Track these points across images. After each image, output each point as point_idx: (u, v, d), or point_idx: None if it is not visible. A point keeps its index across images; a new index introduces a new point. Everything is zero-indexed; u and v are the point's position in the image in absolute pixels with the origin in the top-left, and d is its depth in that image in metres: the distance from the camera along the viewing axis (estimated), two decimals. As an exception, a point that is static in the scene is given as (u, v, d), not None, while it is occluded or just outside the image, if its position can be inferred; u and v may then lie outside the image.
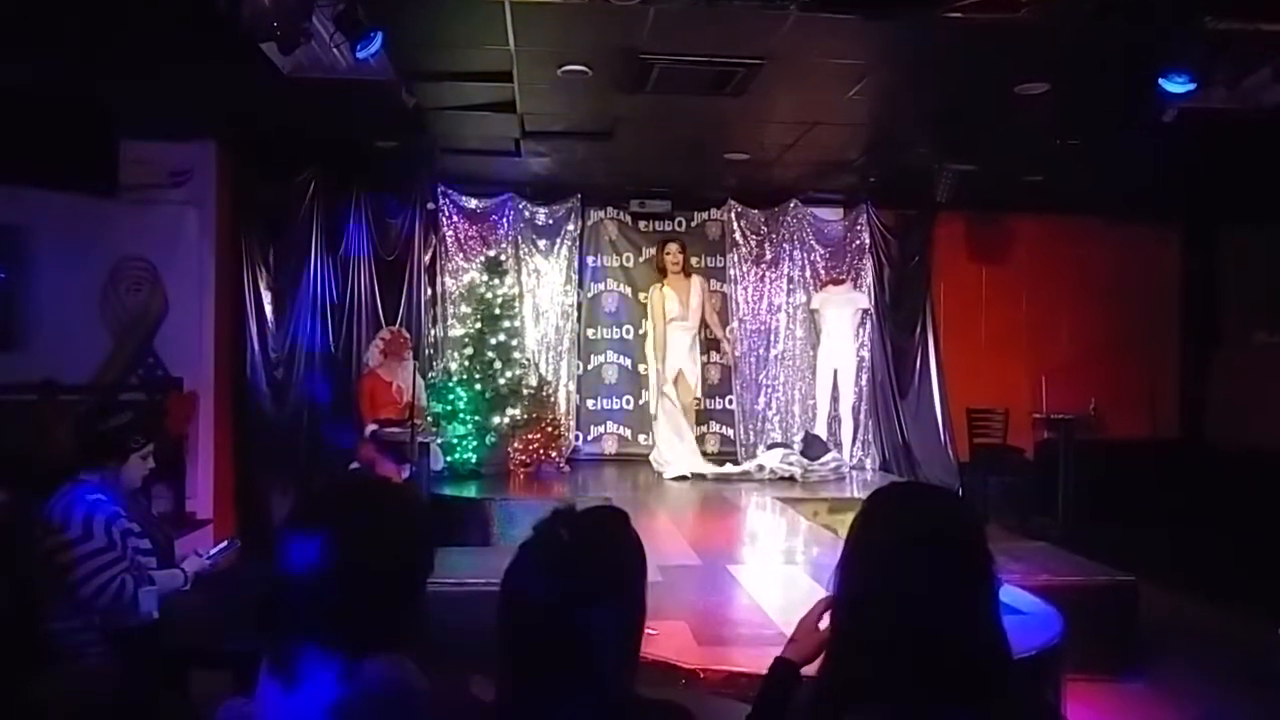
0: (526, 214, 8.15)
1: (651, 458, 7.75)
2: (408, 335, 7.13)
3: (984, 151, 6.65)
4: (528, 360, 7.81)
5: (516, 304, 7.86)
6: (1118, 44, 4.46)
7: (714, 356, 8.28)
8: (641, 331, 8.27)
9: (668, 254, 7.58)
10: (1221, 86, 4.54)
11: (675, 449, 7.60)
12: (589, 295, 8.35)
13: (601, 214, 8.37)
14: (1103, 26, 4.20)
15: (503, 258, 7.88)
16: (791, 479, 7.29)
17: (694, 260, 8.04)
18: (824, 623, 1.48)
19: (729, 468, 7.62)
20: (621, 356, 8.35)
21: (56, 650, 2.84)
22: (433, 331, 7.87)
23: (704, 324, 7.84)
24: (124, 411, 3.35)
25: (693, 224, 8.46)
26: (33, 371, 5.87)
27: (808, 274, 8.37)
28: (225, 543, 3.35)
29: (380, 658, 1.44)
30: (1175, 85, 4.41)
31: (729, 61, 4.89)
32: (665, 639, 3.08)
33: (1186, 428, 8.69)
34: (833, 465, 7.58)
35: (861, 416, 8.25)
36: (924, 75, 5.15)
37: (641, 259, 8.38)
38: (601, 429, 8.32)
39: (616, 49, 4.78)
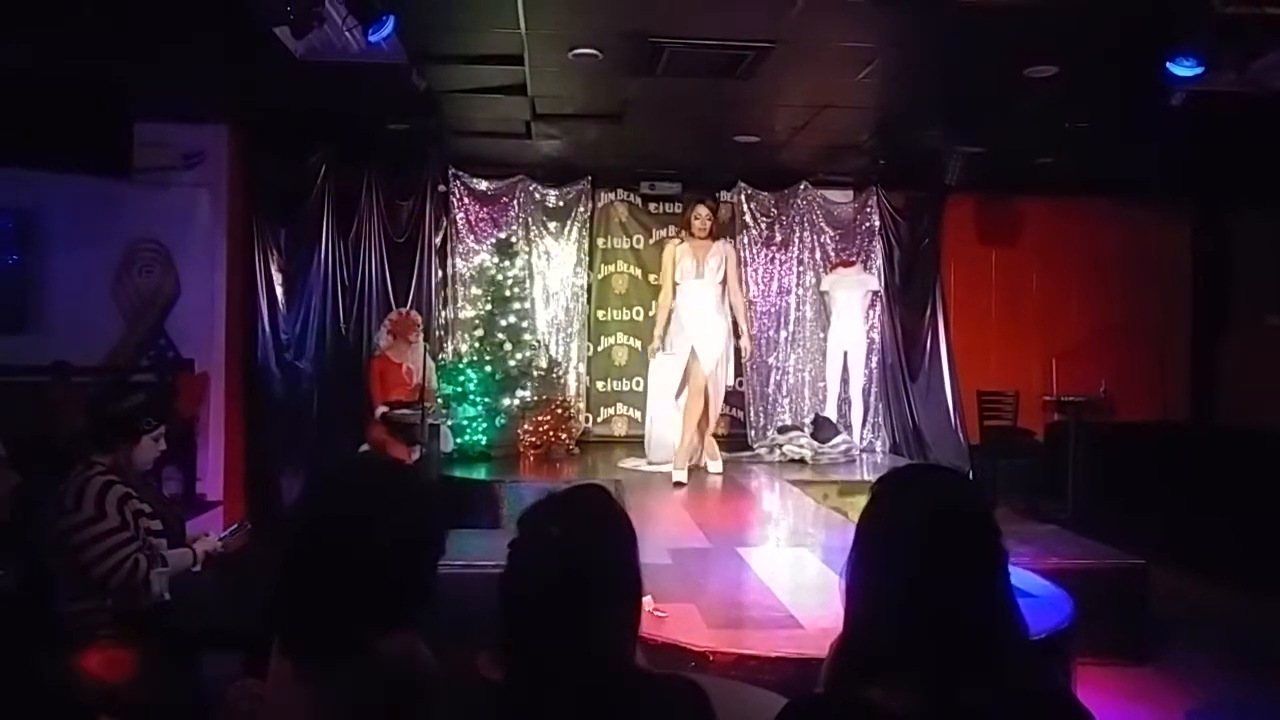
0: (537, 196, 8.15)
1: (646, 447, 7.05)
2: (417, 316, 7.14)
3: (993, 134, 6.61)
4: (538, 342, 7.83)
5: (527, 286, 7.86)
6: (1125, 27, 4.43)
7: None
8: (652, 313, 8.26)
9: (696, 218, 6.39)
10: (1230, 70, 4.50)
11: (665, 439, 6.73)
12: (599, 277, 8.36)
13: (612, 196, 8.36)
14: (1111, 10, 4.17)
15: (513, 240, 7.89)
16: (801, 461, 7.29)
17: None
18: None
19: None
20: (631, 338, 8.36)
21: (68, 632, 2.87)
22: (443, 313, 7.89)
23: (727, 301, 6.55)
24: (136, 393, 3.37)
25: (703, 206, 8.45)
26: (45, 353, 5.92)
27: (818, 256, 8.35)
28: (235, 524, 3.38)
29: (391, 638, 1.46)
30: (1182, 69, 4.39)
31: (739, 45, 4.86)
32: (675, 622, 3.09)
33: (1197, 410, 8.66)
34: (843, 448, 7.57)
35: (871, 399, 8.24)
36: (933, 58, 5.11)
37: (652, 241, 8.38)
38: (611, 411, 8.35)
39: (627, 32, 4.76)
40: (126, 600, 2.91)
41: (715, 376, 6.34)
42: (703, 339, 6.26)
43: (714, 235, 6.50)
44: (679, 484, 6.12)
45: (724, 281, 6.40)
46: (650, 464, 6.88)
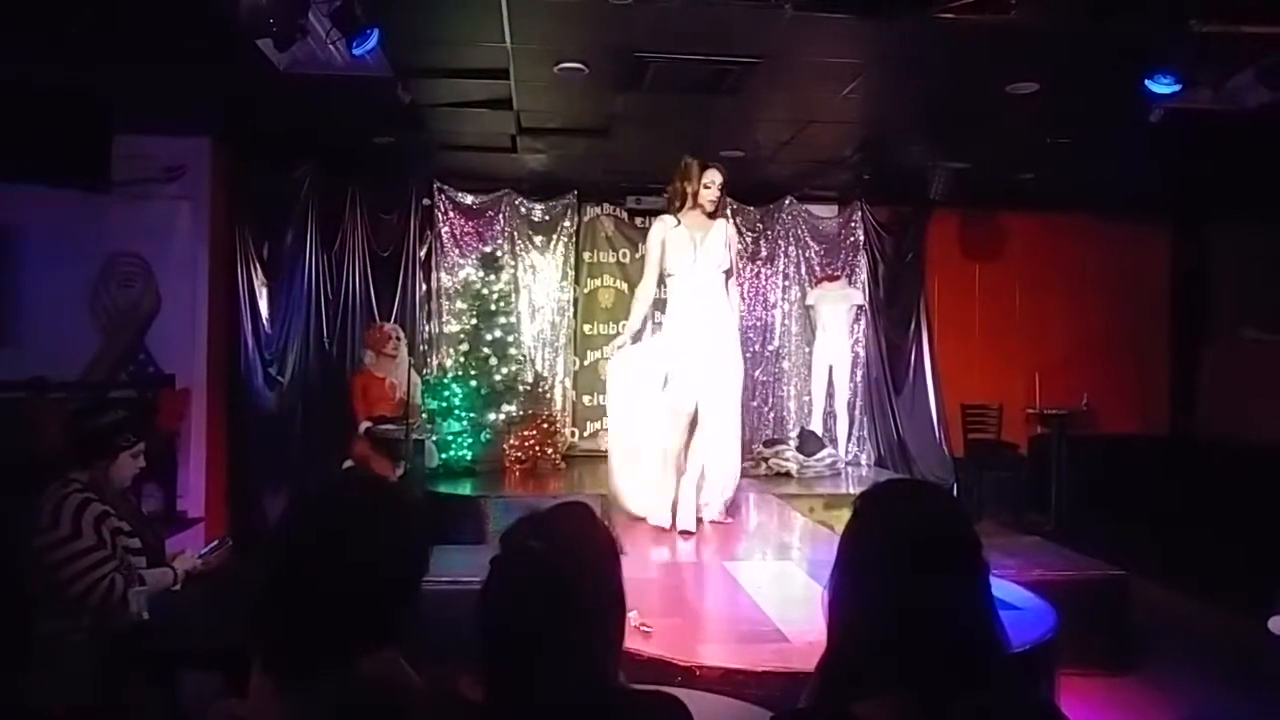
0: (522, 210, 8.16)
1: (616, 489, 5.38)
2: (391, 329, 6.92)
3: (977, 150, 6.67)
4: (524, 356, 7.81)
5: (512, 300, 7.86)
6: (1105, 46, 4.50)
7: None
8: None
9: (706, 186, 4.98)
10: (1206, 87, 4.60)
11: (650, 485, 5.15)
12: (585, 291, 8.36)
13: (598, 210, 8.38)
14: (1090, 28, 4.24)
15: (499, 254, 7.89)
16: (787, 475, 7.29)
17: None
18: None
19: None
20: (617, 353, 8.34)
21: (44, 651, 2.83)
22: (427, 327, 7.86)
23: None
24: (115, 409, 3.34)
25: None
26: (22, 369, 5.83)
27: (803, 270, 8.39)
28: (216, 541, 3.34)
29: (373, 657, 1.44)
30: (1161, 86, 4.47)
31: (724, 60, 4.89)
32: (661, 636, 3.08)
33: (1177, 422, 8.74)
34: (828, 461, 7.59)
35: (857, 412, 8.28)
36: (917, 74, 5.16)
37: (638, 255, 8.37)
38: (598, 425, 8.32)
39: (613, 47, 4.78)
40: (104, 620, 2.87)
41: (728, 399, 5.00)
42: (713, 354, 4.92)
43: (716, 214, 5.15)
44: (685, 533, 4.91)
45: (728, 272, 5.11)
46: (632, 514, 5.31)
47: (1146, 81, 4.50)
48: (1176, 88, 4.49)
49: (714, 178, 5.00)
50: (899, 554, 1.28)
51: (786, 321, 8.38)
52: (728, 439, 5.06)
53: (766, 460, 7.48)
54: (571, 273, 8.23)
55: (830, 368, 8.09)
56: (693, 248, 5.02)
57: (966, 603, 1.27)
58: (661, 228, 5.11)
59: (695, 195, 5.00)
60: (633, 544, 4.63)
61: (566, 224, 8.21)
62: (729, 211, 8.20)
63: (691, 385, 4.91)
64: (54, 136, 5.21)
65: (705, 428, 4.99)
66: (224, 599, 2.98)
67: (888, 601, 1.26)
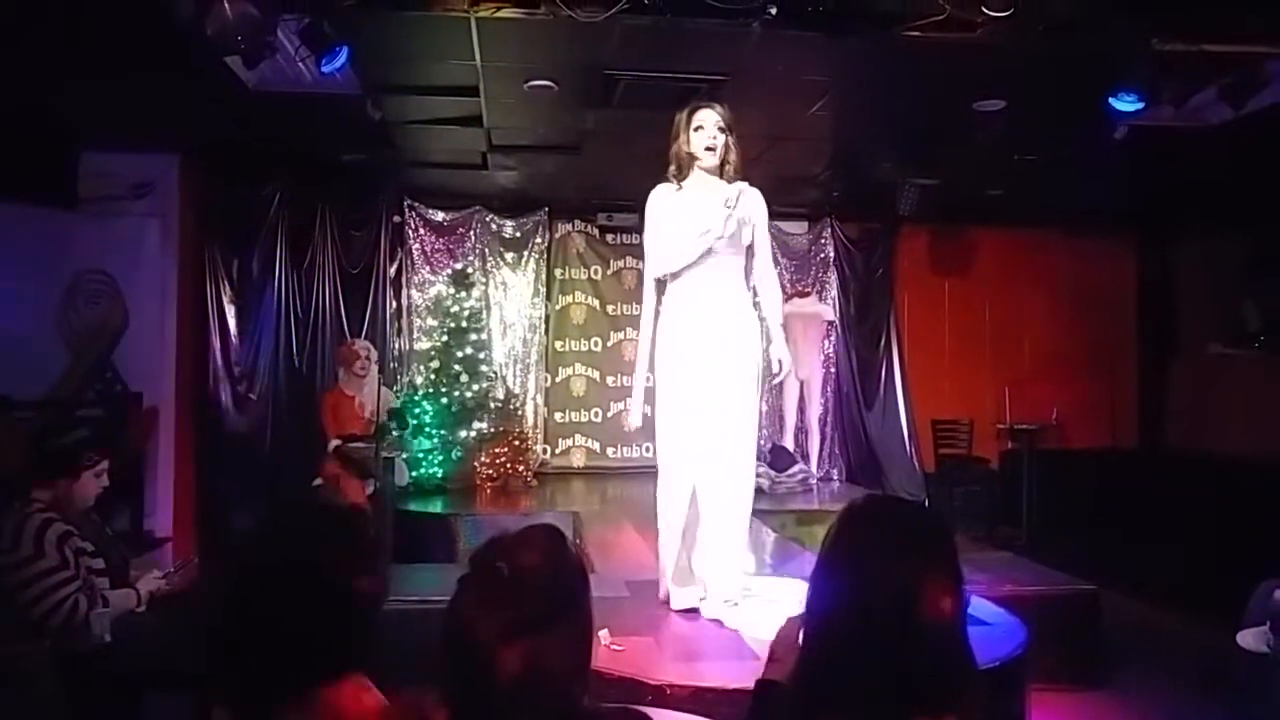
0: (494, 227, 8.15)
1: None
2: (360, 347, 6.59)
3: (945, 166, 6.75)
4: (495, 373, 7.78)
5: (483, 317, 7.83)
6: (1070, 64, 4.59)
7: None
8: (611, 343, 8.27)
9: (698, 127, 3.58)
10: (1169, 105, 4.69)
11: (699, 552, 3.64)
12: (557, 308, 8.35)
13: (569, 227, 8.38)
14: (1055, 47, 4.31)
15: (470, 270, 7.86)
16: (759, 491, 7.26)
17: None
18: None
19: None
20: (590, 369, 8.34)
21: (5, 675, 2.77)
22: (398, 344, 7.81)
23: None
24: (79, 427, 3.29)
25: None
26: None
27: (774, 287, 8.43)
28: (181, 561, 3.29)
29: (336, 680, 1.42)
30: (1124, 104, 4.56)
31: (693, 77, 4.92)
32: (632, 655, 3.06)
33: (1145, 437, 8.84)
34: (800, 477, 7.61)
35: (828, 428, 8.31)
36: (885, 92, 5.22)
37: (609, 271, 8.40)
38: (570, 442, 8.30)
39: (582, 65, 4.80)
40: (65, 642, 2.81)
41: (736, 428, 3.58)
42: (721, 361, 3.57)
43: (725, 167, 3.66)
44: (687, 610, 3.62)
45: (751, 252, 3.74)
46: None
47: (1110, 99, 4.60)
48: (1140, 105, 4.60)
49: (705, 117, 3.58)
50: (873, 570, 1.29)
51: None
52: (731, 490, 3.52)
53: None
54: (543, 289, 8.22)
55: (801, 383, 8.12)
56: (701, 220, 3.56)
57: (941, 622, 1.27)
58: (657, 198, 3.70)
59: (688, 146, 3.61)
60: (603, 562, 4.61)
61: (538, 240, 8.21)
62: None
63: (692, 411, 3.54)
64: (19, 153, 5.13)
65: (705, 477, 3.51)
66: (189, 620, 2.93)
67: (859, 618, 1.27)
